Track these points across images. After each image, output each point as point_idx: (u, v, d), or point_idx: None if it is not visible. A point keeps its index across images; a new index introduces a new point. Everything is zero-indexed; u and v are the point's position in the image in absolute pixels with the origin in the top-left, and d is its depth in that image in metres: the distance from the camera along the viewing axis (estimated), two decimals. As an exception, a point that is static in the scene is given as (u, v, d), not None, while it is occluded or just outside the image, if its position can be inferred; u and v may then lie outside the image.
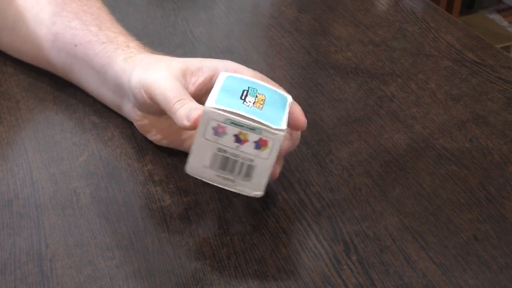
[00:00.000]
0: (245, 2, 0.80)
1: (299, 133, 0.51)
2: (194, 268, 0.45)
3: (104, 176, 0.53)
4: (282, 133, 0.44)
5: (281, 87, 0.50)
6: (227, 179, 0.46)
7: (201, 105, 0.46)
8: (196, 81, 0.50)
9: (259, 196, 0.46)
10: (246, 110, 0.44)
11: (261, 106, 0.45)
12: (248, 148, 0.44)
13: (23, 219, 0.49)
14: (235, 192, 0.51)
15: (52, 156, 0.55)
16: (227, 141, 0.44)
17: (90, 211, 0.50)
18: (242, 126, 0.44)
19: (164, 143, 0.55)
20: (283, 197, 0.51)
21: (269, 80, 0.50)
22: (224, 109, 0.43)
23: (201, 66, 0.50)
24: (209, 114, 0.43)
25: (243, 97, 0.45)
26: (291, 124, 0.47)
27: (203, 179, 0.46)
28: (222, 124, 0.44)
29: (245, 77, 0.48)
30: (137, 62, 0.52)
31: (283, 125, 0.45)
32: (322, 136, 0.58)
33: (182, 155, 0.55)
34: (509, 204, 0.51)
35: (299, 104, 0.61)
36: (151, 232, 0.48)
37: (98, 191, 0.51)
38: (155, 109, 0.50)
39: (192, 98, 0.47)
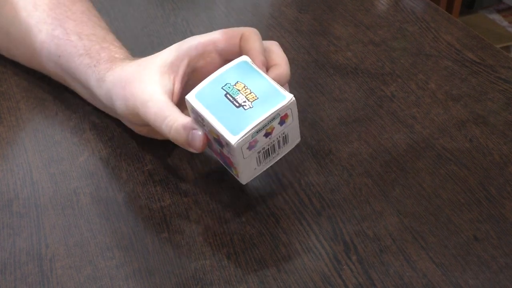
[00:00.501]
0: (245, 2, 0.80)
1: (280, 64, 0.50)
2: (194, 268, 0.45)
3: (104, 176, 0.53)
4: (292, 99, 0.45)
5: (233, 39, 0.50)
6: (274, 157, 0.48)
7: (186, 119, 0.46)
8: (176, 78, 0.50)
9: (299, 141, 0.49)
10: (256, 114, 0.45)
11: (253, 95, 0.46)
12: (277, 130, 0.46)
13: (23, 219, 0.49)
14: (235, 192, 0.51)
15: (52, 156, 0.55)
16: (261, 142, 0.46)
17: (90, 211, 0.50)
18: (264, 125, 0.45)
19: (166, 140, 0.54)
20: (283, 197, 0.51)
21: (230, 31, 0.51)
22: (246, 132, 0.44)
23: (172, 62, 0.50)
24: (238, 146, 0.44)
25: (236, 104, 0.45)
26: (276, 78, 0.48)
27: (257, 175, 0.48)
28: (252, 140, 0.45)
29: (207, 81, 0.47)
30: (113, 83, 0.52)
31: (287, 93, 0.46)
32: (322, 136, 0.58)
33: (182, 155, 0.55)
34: (509, 204, 0.51)
35: (299, 104, 0.61)
36: (151, 232, 0.48)
37: (98, 191, 0.51)
38: (146, 124, 0.51)
39: (173, 109, 0.47)
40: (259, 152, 0.46)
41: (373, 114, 0.60)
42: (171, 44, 0.70)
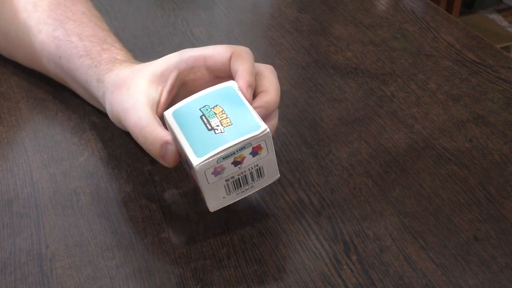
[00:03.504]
0: (245, 2, 0.80)
1: (269, 91, 0.49)
2: (194, 268, 0.45)
3: (104, 176, 0.53)
4: (266, 132, 0.44)
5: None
6: (247, 189, 0.46)
7: (162, 132, 0.46)
8: (163, 89, 0.49)
9: (278, 178, 0.47)
10: (225, 139, 0.44)
11: (228, 120, 0.45)
12: (248, 161, 0.45)
13: (23, 219, 0.49)
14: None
15: (52, 156, 0.55)
16: (229, 170, 0.45)
17: (90, 211, 0.50)
18: (233, 153, 0.44)
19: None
20: (283, 197, 0.51)
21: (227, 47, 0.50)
22: (210, 156, 0.43)
23: (162, 72, 0.49)
24: (202, 169, 0.43)
25: (209, 126, 0.45)
26: (243, 90, 0.47)
27: (228, 204, 0.47)
28: (217, 165, 0.44)
29: (187, 101, 0.47)
30: (107, 86, 0.52)
31: (262, 124, 0.45)
32: (322, 136, 0.58)
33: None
34: (509, 204, 0.51)
35: (300, 104, 0.61)
36: (151, 232, 0.48)
37: (98, 191, 0.51)
38: None
39: (153, 120, 0.47)
40: (227, 181, 0.45)
41: (373, 114, 0.60)
42: (171, 44, 0.70)
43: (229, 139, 0.44)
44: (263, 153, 0.45)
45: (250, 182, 0.46)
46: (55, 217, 0.49)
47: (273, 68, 0.50)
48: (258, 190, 0.47)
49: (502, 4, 2.51)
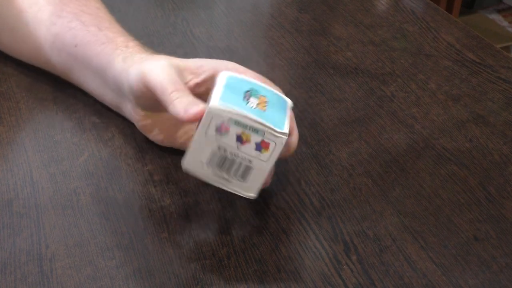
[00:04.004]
0: (245, 2, 0.80)
1: (294, 140, 0.50)
2: (194, 268, 0.45)
3: (104, 176, 0.53)
4: (284, 137, 0.44)
5: (281, 91, 0.50)
6: (223, 178, 0.46)
7: (199, 100, 0.46)
8: (195, 80, 0.50)
9: (252, 198, 0.46)
10: (251, 111, 0.44)
11: (264, 108, 0.45)
12: (248, 149, 0.44)
13: (23, 219, 0.49)
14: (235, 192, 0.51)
15: (52, 156, 0.55)
16: (229, 140, 0.44)
17: (90, 211, 0.50)
18: (246, 126, 0.44)
19: (166, 143, 0.55)
20: (283, 197, 0.51)
21: (270, 82, 0.50)
22: (229, 108, 0.43)
23: (201, 65, 0.50)
24: (214, 112, 0.43)
25: (246, 98, 0.45)
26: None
27: (198, 177, 0.46)
28: (226, 123, 0.44)
29: (246, 77, 0.48)
30: (136, 59, 0.52)
31: (286, 129, 0.45)
32: (322, 136, 0.58)
33: (182, 155, 0.55)
34: (509, 204, 0.51)
35: (300, 104, 0.61)
36: (151, 232, 0.48)
37: (98, 191, 0.51)
38: (153, 102, 0.50)
39: (188, 91, 0.47)
40: (219, 148, 0.44)
41: (373, 114, 0.60)
42: (171, 44, 0.70)
43: (253, 113, 0.44)
44: (264, 155, 0.45)
45: (232, 173, 0.45)
46: (55, 217, 0.49)
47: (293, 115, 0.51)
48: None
49: (502, 4, 2.51)
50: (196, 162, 0.45)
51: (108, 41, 0.56)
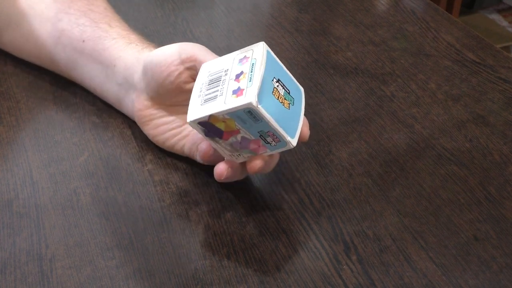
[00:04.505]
0: (245, 2, 0.80)
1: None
2: (194, 268, 0.45)
3: (104, 176, 0.53)
4: (292, 146, 0.46)
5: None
6: (213, 92, 0.46)
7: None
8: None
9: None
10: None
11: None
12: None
13: (23, 219, 0.49)
14: (235, 192, 0.51)
15: (52, 156, 0.55)
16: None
17: (90, 211, 0.50)
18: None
19: (159, 139, 0.54)
20: (283, 197, 0.51)
21: None
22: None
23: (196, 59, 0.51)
24: (251, 106, 0.43)
25: (274, 85, 0.45)
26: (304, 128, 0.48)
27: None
28: (243, 88, 0.44)
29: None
30: (152, 49, 0.54)
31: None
32: (322, 136, 0.58)
33: (182, 156, 0.55)
34: (509, 204, 0.51)
35: (299, 104, 0.61)
36: (151, 232, 0.48)
37: (98, 191, 0.51)
38: (168, 87, 0.51)
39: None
40: (209, 81, 0.46)
41: (373, 114, 0.60)
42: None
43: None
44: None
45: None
46: (55, 217, 0.49)
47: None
48: (254, 188, 0.47)
49: (502, 4, 2.51)
50: (195, 108, 0.46)
51: (119, 36, 0.57)
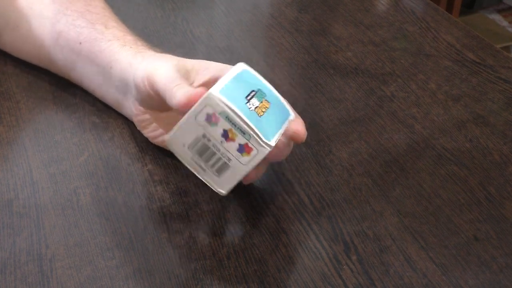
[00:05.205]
0: (245, 2, 0.80)
1: (291, 144, 0.50)
2: (194, 268, 0.45)
3: (104, 176, 0.53)
4: (268, 149, 0.44)
5: (289, 104, 0.50)
6: (199, 165, 0.46)
7: (201, 89, 0.46)
8: (200, 79, 0.50)
9: (222, 194, 0.47)
10: (246, 112, 0.44)
11: (262, 113, 0.45)
12: (231, 147, 0.45)
13: (23, 219, 0.49)
14: (235, 192, 0.51)
15: (52, 156, 0.55)
16: (215, 132, 0.44)
17: (90, 211, 0.50)
18: (235, 125, 0.44)
19: (159, 141, 0.54)
20: (283, 197, 0.51)
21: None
22: (226, 101, 0.43)
23: (208, 67, 0.51)
24: (210, 99, 0.43)
25: (248, 97, 0.45)
26: (291, 134, 0.47)
27: (176, 155, 0.46)
28: (217, 115, 0.44)
29: (260, 77, 0.48)
30: (146, 56, 0.53)
31: (273, 142, 0.45)
32: (322, 136, 0.58)
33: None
34: (509, 204, 0.51)
35: (299, 104, 0.61)
36: (151, 232, 0.48)
37: (98, 191, 0.51)
38: (156, 101, 0.50)
39: (185, 81, 0.48)
40: (203, 137, 0.45)
41: (373, 114, 0.60)
42: (171, 44, 0.70)
43: (247, 116, 0.44)
44: (244, 158, 0.45)
45: (210, 165, 0.46)
46: (55, 217, 0.49)
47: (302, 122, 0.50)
48: (254, 188, 0.47)
49: (502, 4, 2.51)
50: (180, 141, 0.46)
51: (115, 38, 0.56)
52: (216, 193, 0.50)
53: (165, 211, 0.50)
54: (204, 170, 0.46)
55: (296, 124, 0.48)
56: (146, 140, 0.56)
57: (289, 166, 0.54)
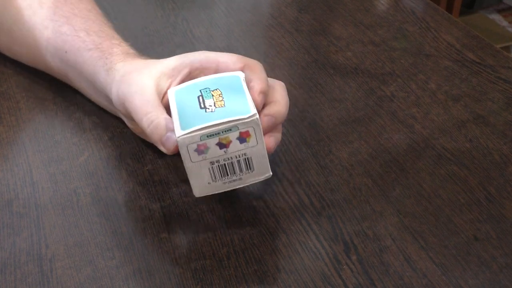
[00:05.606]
0: (245, 2, 0.80)
1: (280, 109, 0.49)
2: (194, 268, 0.45)
3: (104, 176, 0.53)
4: (255, 117, 0.44)
5: (224, 62, 0.50)
6: (234, 180, 0.46)
7: (167, 119, 0.46)
8: (172, 83, 0.50)
9: (270, 176, 0.47)
10: (212, 117, 0.44)
11: (222, 102, 0.45)
12: (235, 147, 0.45)
13: (23, 219, 0.49)
14: (235, 192, 0.51)
15: (52, 156, 0.55)
16: (214, 152, 0.45)
17: (90, 211, 0.50)
18: (218, 133, 0.44)
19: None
20: (283, 197, 0.51)
21: (246, 59, 0.50)
22: (193, 130, 0.44)
23: (175, 67, 0.50)
24: (183, 142, 0.44)
25: (202, 105, 0.45)
26: (255, 96, 0.47)
27: (215, 193, 0.47)
28: (201, 143, 0.44)
29: (191, 82, 0.48)
30: (115, 74, 0.52)
31: (252, 109, 0.45)
32: (322, 136, 0.58)
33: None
34: (509, 204, 0.51)
35: (300, 104, 0.61)
36: (151, 232, 0.48)
37: (98, 191, 0.51)
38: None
39: (159, 107, 0.48)
40: (212, 164, 0.45)
41: (373, 114, 0.60)
42: (171, 44, 0.70)
43: (216, 117, 0.44)
44: (251, 141, 0.45)
45: (238, 172, 0.46)
46: (55, 217, 0.49)
47: (284, 84, 0.51)
48: (254, 188, 0.47)
49: (502, 4, 2.51)
50: (204, 185, 0.46)
51: (94, 47, 0.55)
52: (216, 193, 0.50)
53: (165, 211, 0.50)
54: (240, 178, 0.46)
55: (254, 83, 0.48)
56: (146, 140, 0.56)
57: (289, 166, 0.54)
